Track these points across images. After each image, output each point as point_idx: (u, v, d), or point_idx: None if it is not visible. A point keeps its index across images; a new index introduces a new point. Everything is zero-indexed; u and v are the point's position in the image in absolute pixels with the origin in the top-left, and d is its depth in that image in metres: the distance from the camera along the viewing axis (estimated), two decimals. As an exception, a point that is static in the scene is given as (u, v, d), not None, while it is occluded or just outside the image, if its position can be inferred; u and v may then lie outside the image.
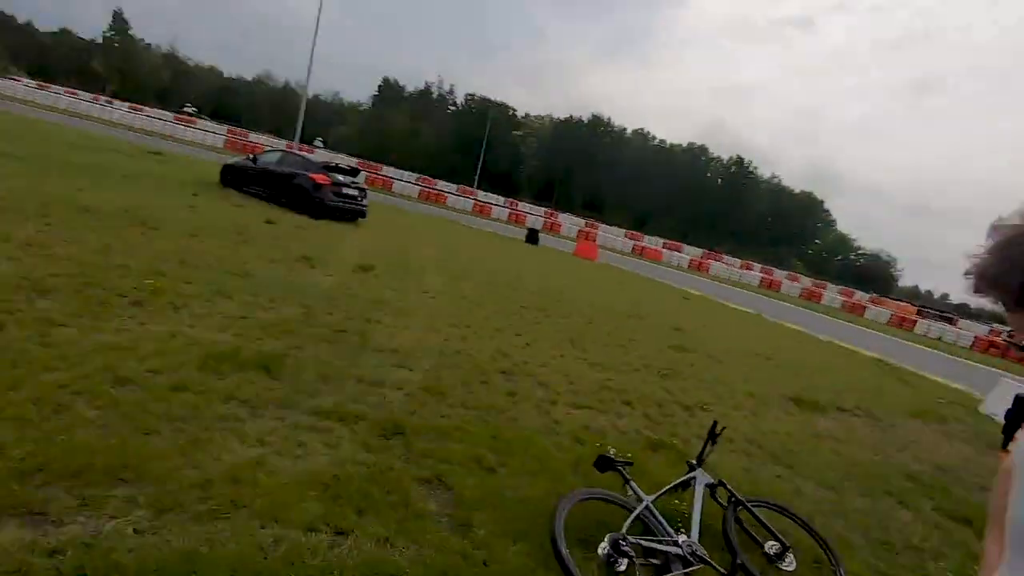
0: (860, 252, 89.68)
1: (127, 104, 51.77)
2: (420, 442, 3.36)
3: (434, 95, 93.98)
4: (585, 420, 4.47)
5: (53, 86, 55.72)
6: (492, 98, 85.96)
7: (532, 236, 24.50)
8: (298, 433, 3.10)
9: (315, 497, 2.57)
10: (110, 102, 49.29)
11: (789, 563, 3.00)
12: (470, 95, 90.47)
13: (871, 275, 79.82)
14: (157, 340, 3.80)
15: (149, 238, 6.69)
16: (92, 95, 54.94)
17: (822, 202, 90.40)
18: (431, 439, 3.46)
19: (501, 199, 50.54)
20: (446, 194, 43.10)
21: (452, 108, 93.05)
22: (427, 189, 43.16)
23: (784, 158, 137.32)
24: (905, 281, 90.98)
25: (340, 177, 13.46)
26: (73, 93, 50.71)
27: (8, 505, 2.06)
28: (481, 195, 49.63)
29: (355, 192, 13.63)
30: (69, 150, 13.64)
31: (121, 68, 75.51)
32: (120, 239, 6.27)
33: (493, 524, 2.72)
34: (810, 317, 22.23)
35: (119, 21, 78.60)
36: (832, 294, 37.20)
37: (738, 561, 2.68)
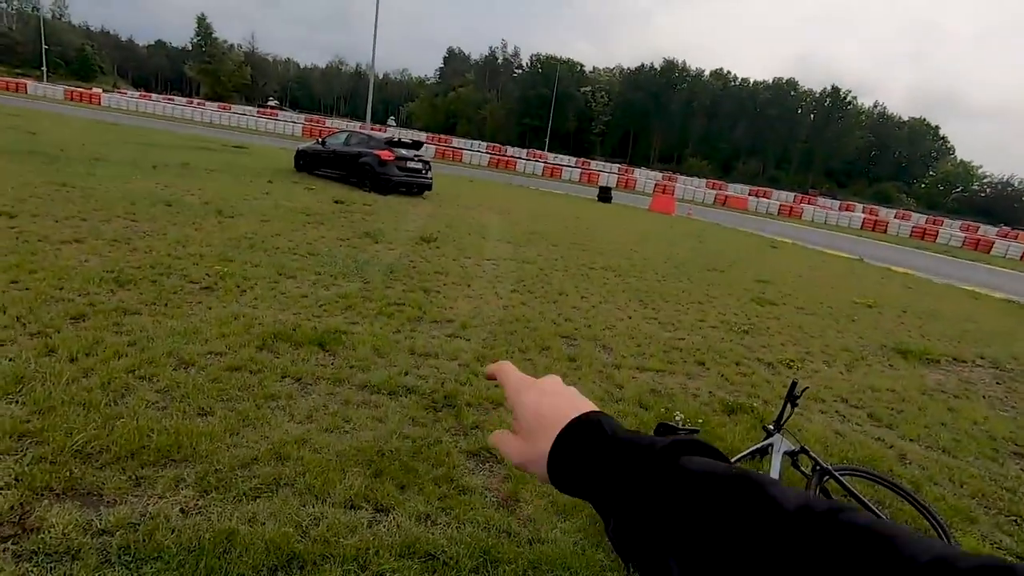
0: (986, 181, 79.34)
1: (217, 104, 55.42)
2: (471, 414, 3.26)
3: (499, 60, 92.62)
4: (652, 383, 4.18)
5: (153, 95, 60.85)
6: (558, 56, 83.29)
7: (604, 194, 23.70)
8: (346, 409, 3.09)
9: (358, 473, 2.53)
10: (202, 104, 52.97)
11: (887, 540, 2.60)
12: (535, 55, 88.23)
13: (998, 206, 70.54)
14: (220, 323, 3.94)
15: (224, 227, 7.04)
16: (187, 100, 59.37)
17: (936, 128, 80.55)
18: (483, 411, 3.35)
19: (572, 160, 49.43)
20: (516, 159, 42.78)
21: (518, 72, 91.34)
22: (497, 157, 43.00)
23: (889, 84, 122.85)
24: (1042, 210, 79.47)
25: (404, 152, 13.56)
26: (170, 100, 54.96)
27: (69, 486, 2.17)
28: (551, 157, 48.79)
29: (419, 165, 13.69)
30: (161, 151, 14.73)
31: (208, 70, 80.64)
32: (198, 230, 6.63)
33: (542, 499, 2.56)
34: (923, 258, 19.93)
35: (203, 26, 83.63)
36: (950, 231, 33.15)
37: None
